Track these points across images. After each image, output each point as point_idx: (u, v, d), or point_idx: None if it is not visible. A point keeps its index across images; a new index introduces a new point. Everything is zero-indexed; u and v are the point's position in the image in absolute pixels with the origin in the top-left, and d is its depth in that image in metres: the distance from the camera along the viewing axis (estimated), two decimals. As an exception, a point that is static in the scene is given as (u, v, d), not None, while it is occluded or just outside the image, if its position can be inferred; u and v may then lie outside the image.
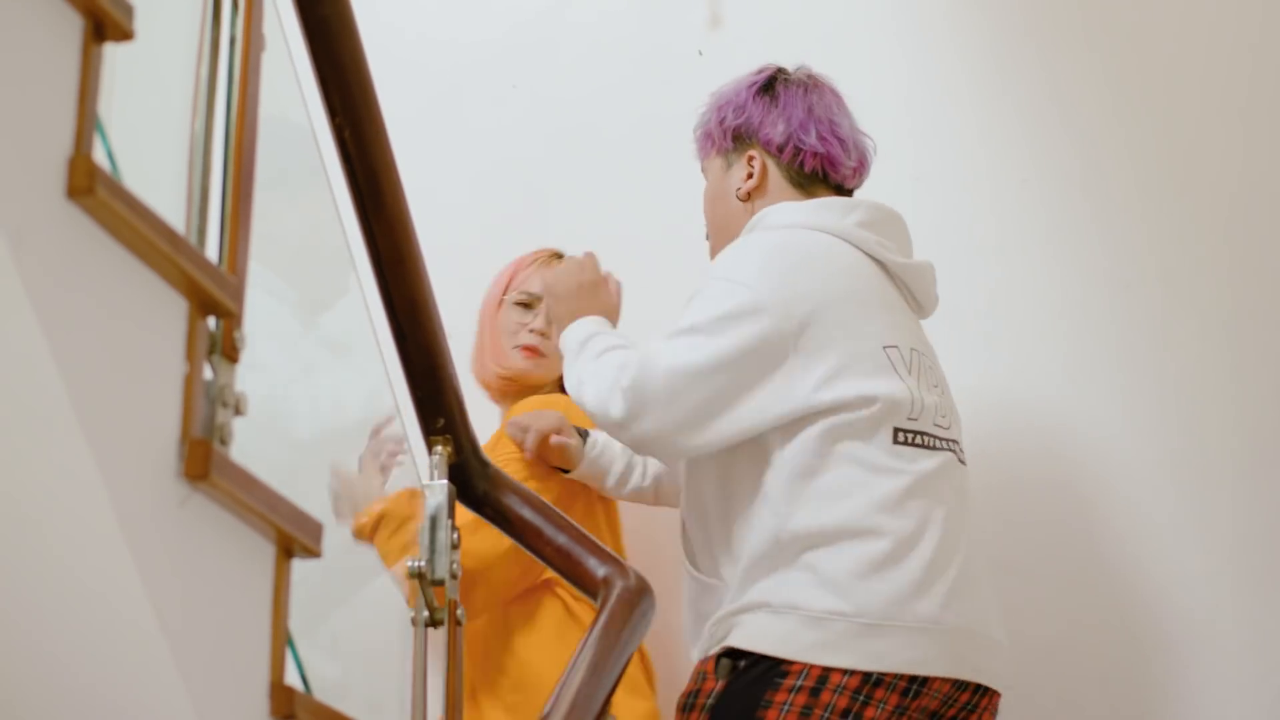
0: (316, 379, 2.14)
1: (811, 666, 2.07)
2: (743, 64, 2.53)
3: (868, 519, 2.12)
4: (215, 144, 1.37)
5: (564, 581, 2.58)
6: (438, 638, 1.81)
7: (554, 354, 2.72)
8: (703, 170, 2.52)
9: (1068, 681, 2.70)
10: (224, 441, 1.23)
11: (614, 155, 3.19)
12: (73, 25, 1.12)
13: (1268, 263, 2.80)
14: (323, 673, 1.56)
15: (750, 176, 2.41)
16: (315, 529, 1.34)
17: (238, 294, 1.30)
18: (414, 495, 2.37)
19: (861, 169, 2.44)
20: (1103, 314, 2.85)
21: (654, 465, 2.64)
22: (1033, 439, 2.84)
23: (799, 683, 2.07)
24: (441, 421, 1.89)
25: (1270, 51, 2.89)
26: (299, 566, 1.34)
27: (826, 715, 2.05)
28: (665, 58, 3.19)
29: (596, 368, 2.25)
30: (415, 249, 1.84)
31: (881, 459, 2.16)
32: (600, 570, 1.92)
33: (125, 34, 1.15)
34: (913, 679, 2.10)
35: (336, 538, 2.35)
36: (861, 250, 2.32)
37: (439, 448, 1.88)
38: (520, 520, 1.97)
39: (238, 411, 1.25)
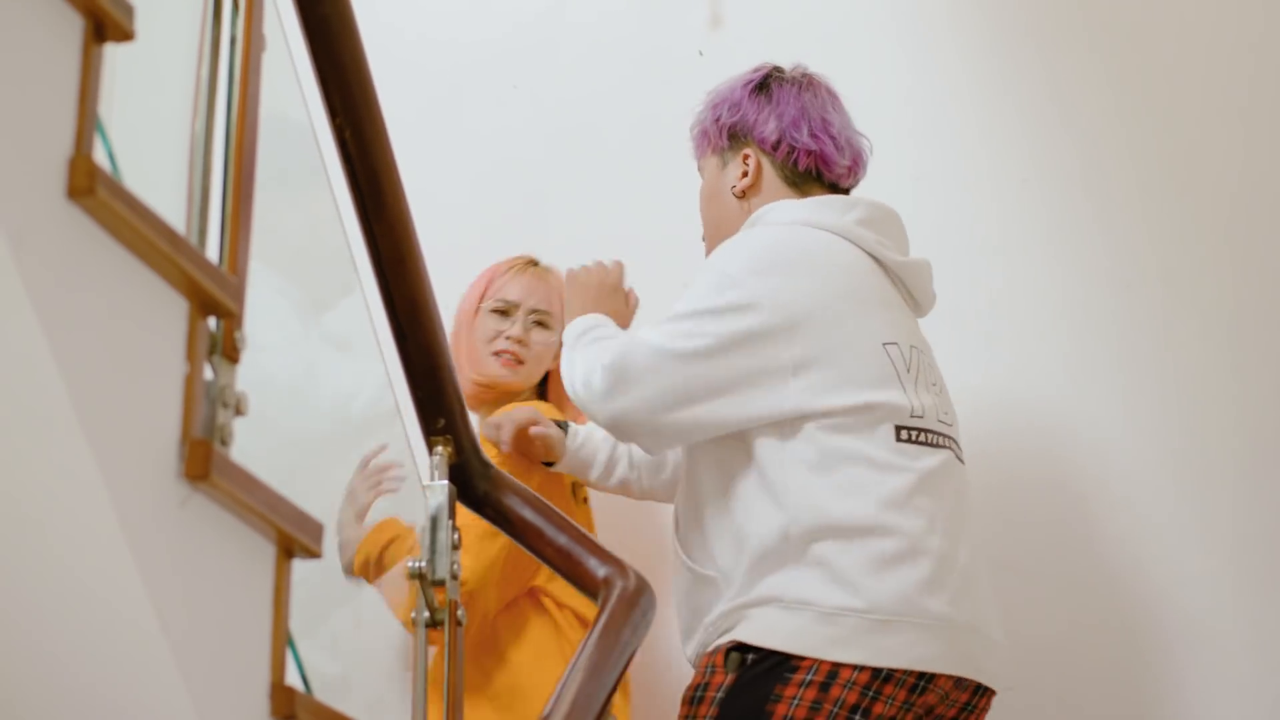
0: (317, 379, 2.14)
1: (821, 662, 2.07)
2: (743, 64, 2.53)
3: (878, 516, 2.13)
4: (216, 144, 1.37)
5: (546, 590, 2.60)
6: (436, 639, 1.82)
7: (531, 361, 2.73)
8: (699, 169, 2.52)
9: (1068, 681, 2.70)
10: (224, 442, 1.23)
11: (614, 155, 3.19)
12: (73, 25, 1.12)
13: (1269, 262, 2.80)
14: (323, 673, 1.56)
15: (745, 175, 2.41)
16: (316, 529, 1.33)
17: (238, 294, 1.29)
18: (390, 524, 2.38)
19: (856, 168, 2.45)
20: (1104, 314, 2.85)
21: (639, 456, 2.63)
22: (1034, 439, 2.84)
23: (809, 677, 2.07)
24: (442, 422, 1.90)
25: (1271, 51, 2.89)
26: (299, 567, 1.34)
27: (836, 710, 2.06)
28: (666, 58, 3.19)
29: (587, 350, 2.27)
30: (416, 249, 1.84)
31: (887, 456, 2.16)
32: (601, 571, 1.92)
33: (126, 34, 1.15)
34: (921, 675, 2.10)
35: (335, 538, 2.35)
36: (860, 248, 2.32)
37: (439, 448, 1.88)
38: (521, 520, 1.97)
39: (238, 412, 1.25)
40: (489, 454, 2.55)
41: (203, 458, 1.17)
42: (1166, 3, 2.96)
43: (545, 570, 2.53)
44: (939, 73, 3.05)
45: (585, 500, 2.74)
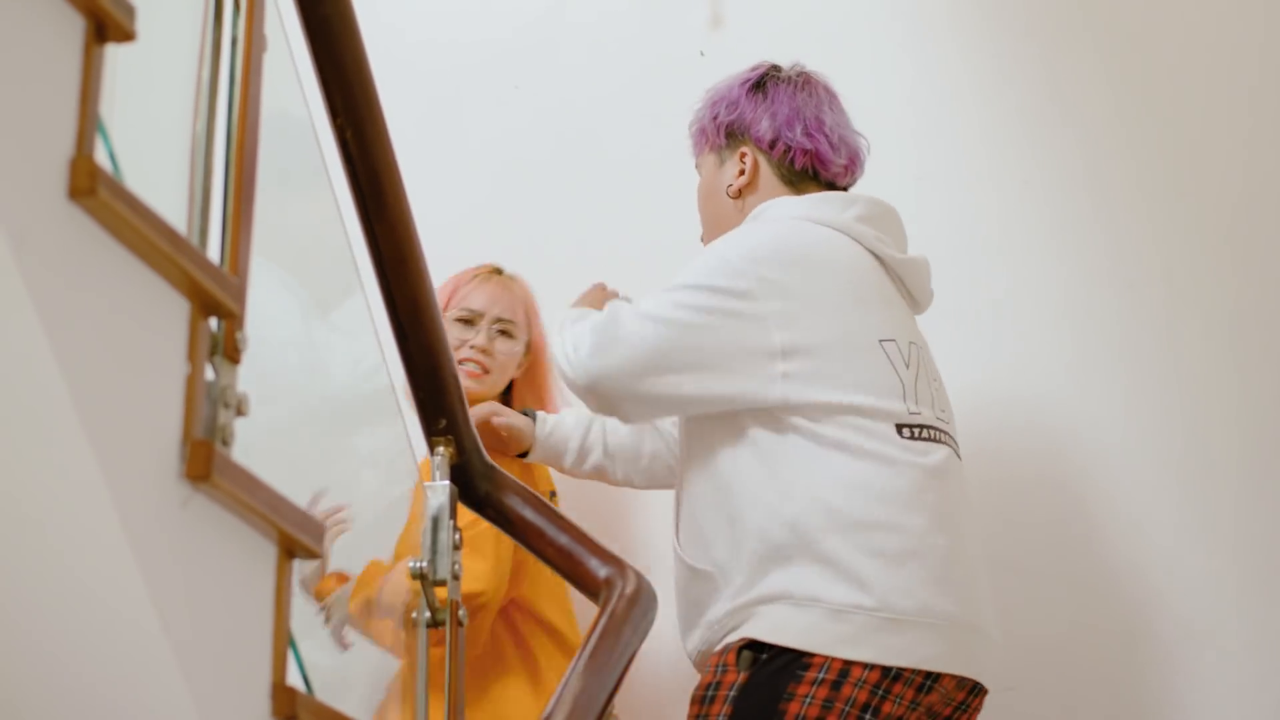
0: (318, 379, 2.14)
1: (833, 660, 2.07)
2: (744, 65, 2.53)
3: (882, 511, 2.13)
4: (217, 145, 1.37)
5: (519, 615, 2.60)
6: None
7: (496, 370, 2.73)
8: (696, 166, 2.53)
9: (1068, 682, 2.70)
10: (226, 442, 1.23)
11: (616, 155, 3.20)
12: (74, 26, 1.12)
13: (1271, 262, 2.80)
14: (324, 673, 1.56)
15: (743, 174, 2.42)
16: (317, 530, 1.33)
17: (239, 295, 1.30)
18: (340, 579, 2.36)
19: (853, 167, 2.45)
20: (1106, 314, 2.85)
21: (614, 444, 2.63)
22: (1035, 438, 2.84)
23: (821, 676, 2.07)
24: (443, 422, 1.90)
25: (1273, 51, 2.89)
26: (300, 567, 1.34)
27: (847, 709, 2.06)
28: (667, 58, 3.19)
29: (577, 324, 2.29)
30: (417, 249, 1.84)
31: (889, 451, 2.16)
32: (602, 571, 1.92)
33: (127, 35, 1.15)
34: (928, 675, 2.11)
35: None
36: (860, 244, 2.33)
37: (441, 448, 1.88)
38: (522, 521, 1.97)
39: (240, 412, 1.25)
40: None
41: (204, 458, 1.17)
42: (1168, 2, 2.96)
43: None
44: (940, 73, 3.05)
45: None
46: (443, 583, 1.78)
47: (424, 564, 1.78)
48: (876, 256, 2.34)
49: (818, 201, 2.35)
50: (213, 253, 1.33)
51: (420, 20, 3.41)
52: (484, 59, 3.34)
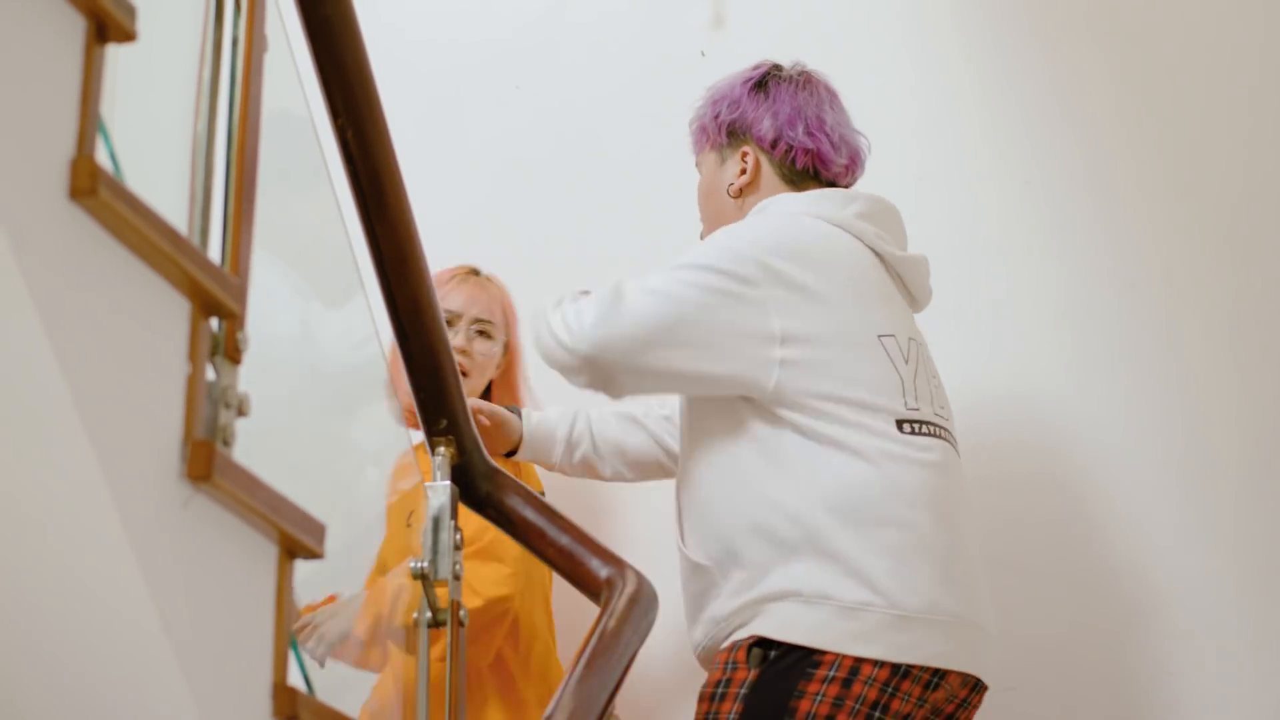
0: (318, 379, 2.14)
1: (844, 657, 2.07)
2: (746, 65, 2.53)
3: (891, 508, 2.13)
4: (218, 145, 1.37)
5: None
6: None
7: (475, 371, 2.71)
8: (697, 165, 2.53)
9: (1068, 682, 2.70)
10: (226, 442, 1.23)
11: (615, 155, 3.20)
12: (75, 26, 1.12)
13: (1272, 262, 2.80)
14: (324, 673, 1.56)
15: (744, 173, 2.42)
16: (318, 530, 1.33)
17: (240, 295, 1.30)
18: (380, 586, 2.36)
19: (854, 166, 2.45)
20: (1106, 314, 2.85)
21: (599, 431, 2.63)
22: (1036, 438, 2.84)
23: (831, 673, 2.07)
24: (444, 422, 1.90)
25: (1273, 51, 2.89)
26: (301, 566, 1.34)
27: (858, 706, 2.06)
28: (667, 58, 3.19)
29: (572, 304, 2.26)
30: (417, 249, 1.84)
31: (891, 447, 2.16)
32: (603, 571, 1.92)
33: (128, 35, 1.15)
34: (935, 672, 2.11)
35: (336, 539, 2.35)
36: (860, 241, 2.33)
37: (442, 448, 1.88)
38: (523, 521, 1.97)
39: (240, 412, 1.25)
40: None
41: (205, 458, 1.17)
42: (1168, 2, 2.96)
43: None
44: (942, 72, 3.05)
45: None
46: (444, 583, 1.78)
47: (425, 564, 1.78)
48: (876, 253, 2.34)
49: (818, 198, 2.36)
50: (214, 253, 1.33)
51: (420, 20, 3.41)
52: (484, 59, 3.34)
